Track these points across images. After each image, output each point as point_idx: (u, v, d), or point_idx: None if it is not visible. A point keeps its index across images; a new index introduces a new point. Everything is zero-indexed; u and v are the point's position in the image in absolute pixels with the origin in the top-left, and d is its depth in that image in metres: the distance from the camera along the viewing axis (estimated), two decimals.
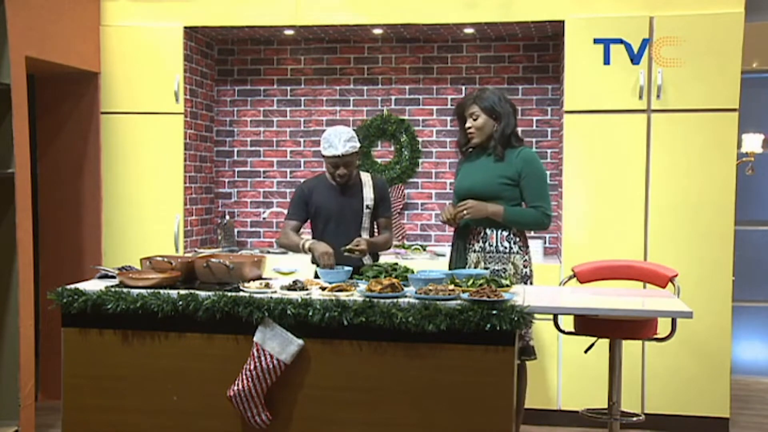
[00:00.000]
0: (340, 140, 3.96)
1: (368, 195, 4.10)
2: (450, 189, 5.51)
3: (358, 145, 4.04)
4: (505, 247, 3.82)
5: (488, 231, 3.83)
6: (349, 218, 4.07)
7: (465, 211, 3.75)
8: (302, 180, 4.45)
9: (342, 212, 4.06)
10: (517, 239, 3.85)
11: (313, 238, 4.11)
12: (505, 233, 3.83)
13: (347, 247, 3.90)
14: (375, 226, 4.22)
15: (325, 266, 3.80)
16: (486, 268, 3.78)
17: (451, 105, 5.49)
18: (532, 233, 5.40)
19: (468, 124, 3.89)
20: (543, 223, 3.82)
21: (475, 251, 3.85)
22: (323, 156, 4.03)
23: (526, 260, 3.86)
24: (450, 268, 3.93)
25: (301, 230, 4.20)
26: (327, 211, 4.08)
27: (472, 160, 3.97)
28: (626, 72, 4.65)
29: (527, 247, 3.90)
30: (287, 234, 4.12)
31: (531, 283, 3.89)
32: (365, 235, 4.09)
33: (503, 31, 5.22)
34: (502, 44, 5.44)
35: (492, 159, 3.86)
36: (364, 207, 4.08)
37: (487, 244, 3.83)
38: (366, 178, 4.16)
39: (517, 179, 3.81)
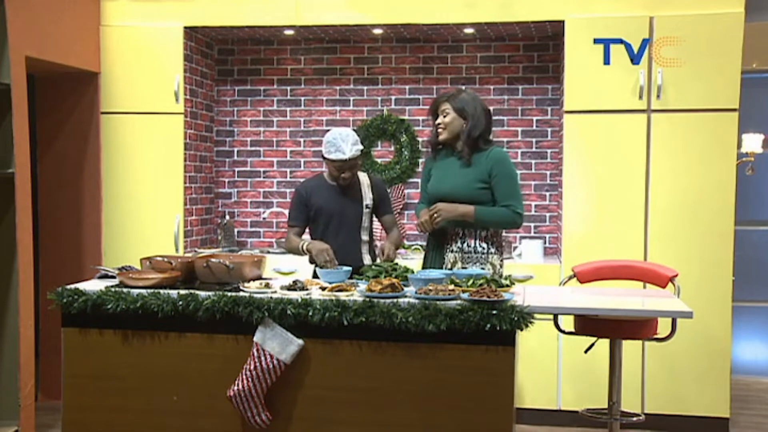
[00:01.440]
0: (346, 144, 3.90)
1: (367, 195, 4.08)
2: None
3: (361, 147, 4.00)
4: (483, 248, 3.83)
5: (466, 232, 3.83)
6: (349, 218, 4.04)
7: (436, 215, 3.74)
8: (300, 181, 4.42)
9: (342, 213, 4.04)
10: (494, 240, 3.85)
11: (312, 239, 4.10)
12: (482, 234, 3.82)
13: (383, 257, 3.92)
14: (380, 225, 4.22)
15: (324, 264, 3.79)
16: (463, 268, 3.78)
17: None
18: (531, 232, 5.40)
19: (438, 120, 3.89)
20: (514, 221, 3.79)
21: (452, 251, 3.84)
22: (326, 159, 3.95)
23: (501, 260, 3.89)
24: (424, 267, 3.94)
25: (305, 234, 4.17)
26: (327, 212, 4.05)
27: (441, 160, 3.94)
28: (626, 72, 4.65)
29: (503, 247, 3.93)
30: (290, 240, 4.07)
31: None
32: (365, 235, 4.08)
33: (503, 31, 5.22)
34: (502, 44, 5.44)
35: (460, 162, 3.84)
36: (364, 207, 4.06)
37: (465, 245, 3.83)
38: (363, 177, 4.14)
39: (488, 180, 3.79)
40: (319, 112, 5.66)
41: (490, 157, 3.81)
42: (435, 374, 3.17)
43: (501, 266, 3.87)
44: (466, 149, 3.82)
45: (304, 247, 3.93)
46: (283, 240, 5.52)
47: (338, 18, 5.01)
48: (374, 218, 4.18)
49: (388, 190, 4.45)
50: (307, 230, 4.18)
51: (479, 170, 3.80)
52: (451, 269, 3.80)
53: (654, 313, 3.53)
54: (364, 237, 4.08)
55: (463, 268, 3.79)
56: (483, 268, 3.78)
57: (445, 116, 3.87)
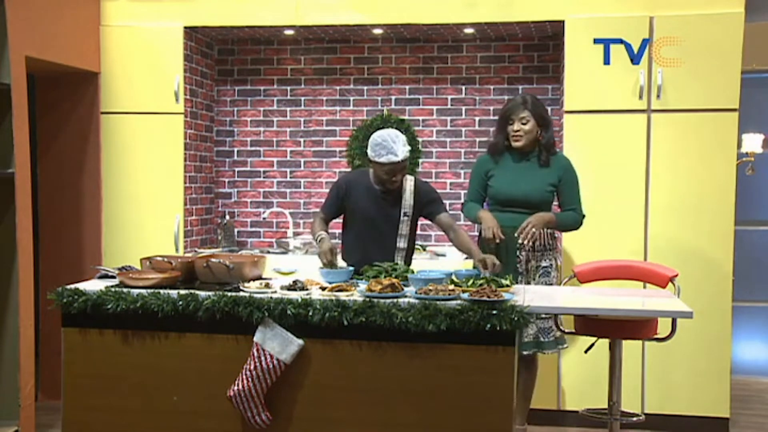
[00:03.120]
0: (398, 145, 3.75)
1: (407, 202, 3.93)
2: (450, 189, 5.51)
3: (410, 147, 3.88)
4: (551, 244, 4.09)
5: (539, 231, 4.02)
6: (386, 225, 3.91)
7: (533, 230, 3.90)
8: (342, 174, 4.27)
9: (379, 219, 3.91)
10: (556, 235, 4.17)
11: (345, 233, 4.02)
12: (549, 231, 4.06)
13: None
14: (413, 232, 4.07)
15: (324, 264, 3.77)
16: (538, 266, 4.02)
17: (452, 105, 5.49)
18: None
19: (516, 127, 4.03)
20: (580, 223, 4.13)
21: (526, 250, 3.99)
22: (376, 163, 3.79)
23: (560, 254, 4.24)
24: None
25: (330, 222, 4.06)
26: (364, 215, 3.92)
27: (508, 165, 4.09)
28: (626, 72, 4.65)
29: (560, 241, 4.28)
30: (315, 222, 3.96)
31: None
32: (402, 243, 3.94)
33: (503, 31, 5.22)
34: (502, 44, 5.44)
35: (536, 165, 4.07)
36: (402, 214, 3.92)
37: (537, 243, 4.03)
38: (408, 183, 3.96)
39: (557, 184, 4.06)
40: (319, 112, 5.66)
41: (561, 163, 4.10)
42: (435, 374, 3.17)
43: (561, 259, 4.28)
44: (545, 153, 4.06)
45: (318, 239, 3.84)
46: (283, 240, 5.52)
47: (338, 18, 5.01)
48: (417, 225, 4.05)
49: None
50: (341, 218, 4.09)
51: (551, 174, 4.06)
52: (526, 267, 4.01)
53: (654, 313, 3.53)
54: (401, 244, 3.95)
55: (538, 266, 4.03)
56: (551, 264, 4.06)
57: (524, 123, 4.04)
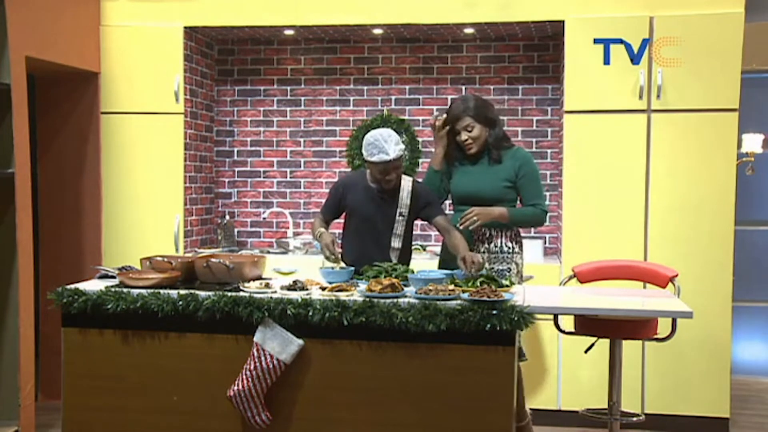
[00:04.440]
0: (389, 144, 3.76)
1: (403, 202, 3.91)
2: None
3: (404, 146, 3.89)
4: (509, 247, 3.88)
5: (493, 232, 3.87)
6: (381, 224, 3.91)
7: (475, 218, 3.72)
8: (341, 175, 4.26)
9: (374, 217, 3.91)
10: (518, 239, 3.93)
11: (344, 233, 4.04)
12: (509, 233, 3.88)
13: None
14: (409, 233, 4.02)
15: (327, 257, 3.78)
16: (491, 269, 3.80)
17: None
18: (531, 232, 5.40)
19: (464, 137, 3.87)
20: (542, 219, 3.89)
21: (479, 252, 3.85)
22: (369, 162, 3.81)
23: (522, 259, 3.95)
24: (439, 267, 3.96)
25: (330, 223, 4.06)
26: (359, 214, 3.94)
27: (465, 164, 3.97)
28: (626, 72, 4.65)
29: (523, 246, 4.00)
30: (315, 222, 4.00)
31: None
32: (396, 242, 3.93)
33: (503, 31, 5.22)
34: (502, 44, 5.44)
35: (487, 163, 3.90)
36: (397, 214, 3.91)
37: (492, 245, 3.87)
38: (406, 183, 3.96)
39: (514, 180, 3.87)
40: (319, 112, 5.66)
41: (516, 157, 3.89)
42: (435, 374, 3.17)
43: (522, 264, 3.94)
44: (495, 151, 3.88)
45: (318, 236, 3.88)
46: (283, 240, 5.53)
47: (338, 18, 5.01)
48: (413, 225, 4.03)
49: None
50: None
51: (505, 169, 3.86)
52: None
53: (654, 313, 3.53)
54: (395, 244, 3.93)
55: (491, 269, 3.81)
56: (509, 268, 3.84)
57: (470, 130, 3.87)
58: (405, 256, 4.02)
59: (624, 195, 4.69)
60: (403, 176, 3.97)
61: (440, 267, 3.99)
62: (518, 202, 3.93)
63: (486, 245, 3.87)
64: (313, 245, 5.29)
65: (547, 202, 3.93)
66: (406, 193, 3.94)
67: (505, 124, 4.03)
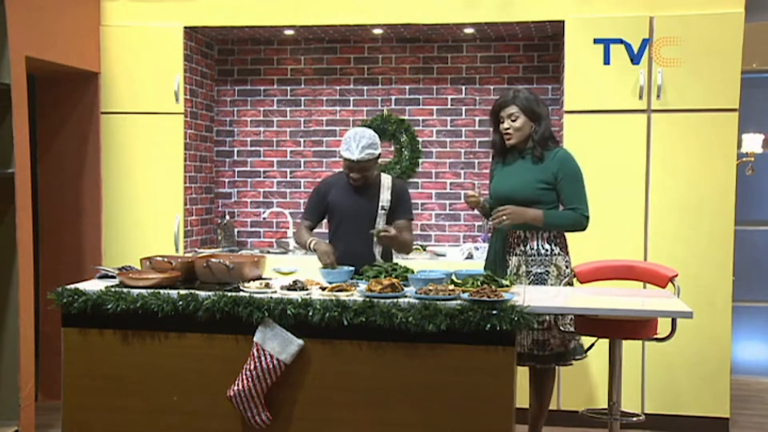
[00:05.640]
0: (357, 145, 3.85)
1: (385, 197, 4.02)
2: (450, 189, 5.51)
3: (376, 152, 3.92)
4: (547, 250, 3.80)
5: (528, 234, 3.80)
6: (363, 219, 3.99)
7: (504, 217, 3.69)
8: (320, 179, 4.36)
9: (356, 212, 4.00)
10: (558, 240, 3.84)
11: (328, 234, 4.10)
12: (545, 235, 3.80)
13: (376, 229, 3.86)
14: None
15: (325, 266, 3.80)
16: (528, 272, 3.77)
17: (452, 105, 5.50)
18: None
19: (506, 125, 3.82)
20: (582, 224, 3.80)
21: (516, 255, 3.81)
22: (340, 155, 3.95)
23: (567, 261, 3.85)
24: (485, 269, 3.88)
25: (314, 230, 4.16)
26: (341, 210, 4.03)
27: (508, 163, 3.90)
28: (626, 72, 4.65)
29: (567, 247, 3.88)
30: (300, 233, 4.10)
31: (572, 284, 3.87)
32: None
33: (503, 31, 5.22)
34: (502, 44, 5.44)
35: (529, 162, 3.82)
36: (379, 208, 4.01)
37: (528, 247, 3.80)
38: (386, 180, 4.06)
39: (554, 182, 3.79)
40: (319, 112, 5.66)
41: (557, 158, 3.81)
42: (435, 374, 3.17)
43: (567, 266, 3.83)
44: (538, 149, 3.80)
45: (312, 246, 3.94)
46: (283, 240, 5.53)
47: (338, 18, 5.01)
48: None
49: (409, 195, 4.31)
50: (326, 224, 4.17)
51: (544, 171, 3.79)
52: (517, 273, 3.78)
53: (654, 313, 3.52)
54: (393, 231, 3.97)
55: (528, 272, 3.76)
56: (547, 271, 3.77)
57: (514, 120, 3.81)
58: (388, 251, 4.07)
59: (624, 195, 4.69)
60: (383, 174, 4.08)
61: None
62: (560, 205, 3.86)
63: (522, 247, 3.80)
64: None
65: (588, 210, 3.79)
66: (386, 188, 4.03)
67: (551, 127, 3.92)
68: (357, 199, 4.02)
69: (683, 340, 4.42)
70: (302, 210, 5.65)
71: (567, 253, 3.86)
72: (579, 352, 3.86)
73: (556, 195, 3.81)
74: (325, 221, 4.21)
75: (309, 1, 5.01)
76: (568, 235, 4.72)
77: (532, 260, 3.79)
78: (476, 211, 4.04)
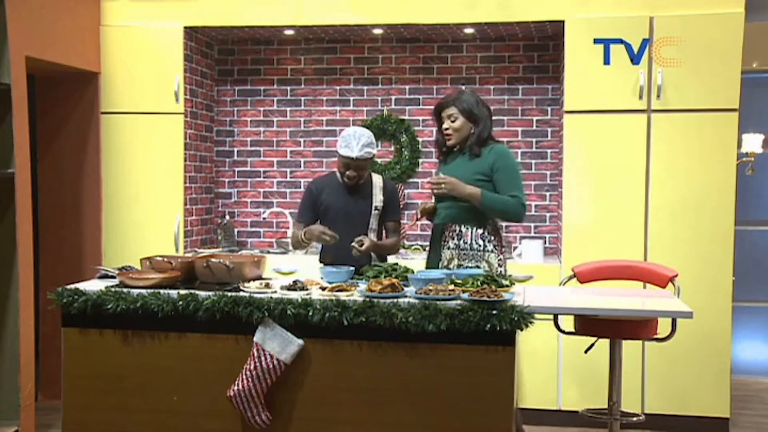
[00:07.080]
0: (358, 143, 3.88)
1: (378, 197, 4.04)
2: None
3: (374, 151, 3.97)
4: (479, 245, 3.82)
5: (463, 228, 3.84)
6: (356, 219, 4.01)
7: (443, 185, 3.75)
8: (311, 180, 4.39)
9: (349, 212, 4.02)
10: (492, 237, 3.84)
11: None
12: (479, 231, 3.82)
13: (354, 241, 3.89)
14: (383, 230, 4.16)
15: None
16: (459, 266, 3.80)
17: None
18: (531, 232, 5.40)
19: (445, 125, 3.89)
20: (519, 211, 3.78)
21: (449, 248, 3.85)
22: (338, 153, 3.96)
23: (500, 259, 3.85)
24: (426, 267, 3.97)
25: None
26: (335, 210, 4.04)
27: (449, 161, 3.97)
28: (626, 72, 4.65)
29: (502, 246, 3.91)
30: (294, 235, 4.11)
31: None
32: (372, 237, 4.03)
33: (503, 31, 5.22)
34: (502, 44, 5.44)
35: (467, 158, 3.87)
36: (373, 208, 4.03)
37: (461, 241, 3.83)
38: (377, 180, 4.10)
39: (490, 173, 3.80)
40: (319, 112, 5.67)
41: (492, 151, 3.84)
42: (435, 374, 3.17)
43: (500, 265, 3.84)
44: (476, 148, 3.85)
45: (304, 236, 3.96)
46: (283, 240, 5.52)
47: (338, 18, 5.01)
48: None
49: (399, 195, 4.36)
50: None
51: (481, 164, 3.82)
52: (447, 266, 3.82)
53: (654, 313, 3.53)
54: (372, 238, 4.01)
55: (459, 265, 3.80)
56: (478, 266, 3.78)
57: (453, 121, 3.87)
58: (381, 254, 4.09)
59: (624, 195, 4.69)
60: (374, 174, 4.10)
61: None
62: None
63: (456, 241, 3.84)
64: (312, 246, 5.28)
65: (525, 200, 3.80)
66: (378, 189, 4.06)
67: (493, 126, 3.93)
68: (350, 199, 4.03)
69: (683, 340, 4.42)
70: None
71: (501, 252, 3.87)
72: None
73: (493, 187, 3.79)
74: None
75: (309, 1, 5.01)
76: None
77: (464, 254, 3.82)
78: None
